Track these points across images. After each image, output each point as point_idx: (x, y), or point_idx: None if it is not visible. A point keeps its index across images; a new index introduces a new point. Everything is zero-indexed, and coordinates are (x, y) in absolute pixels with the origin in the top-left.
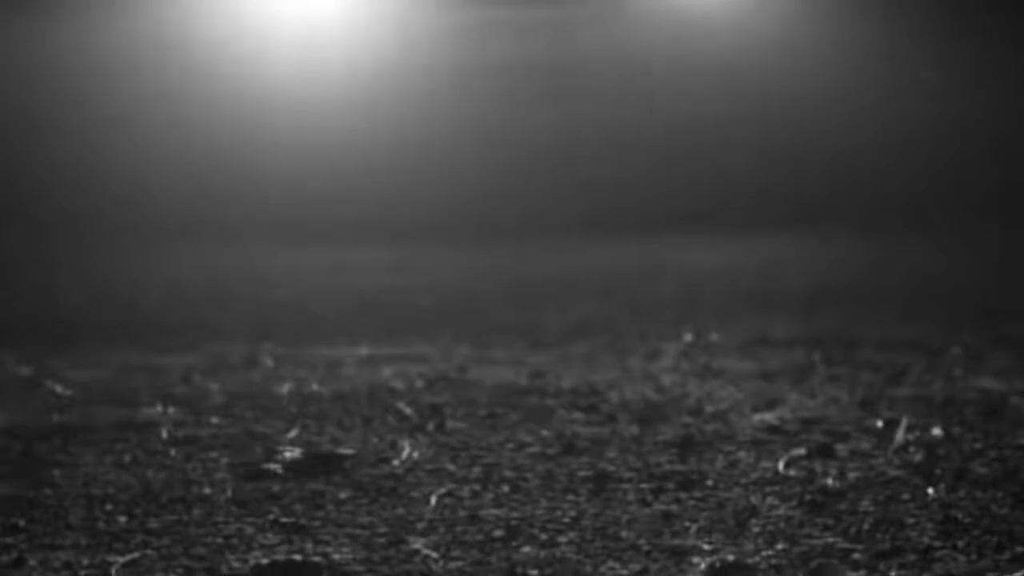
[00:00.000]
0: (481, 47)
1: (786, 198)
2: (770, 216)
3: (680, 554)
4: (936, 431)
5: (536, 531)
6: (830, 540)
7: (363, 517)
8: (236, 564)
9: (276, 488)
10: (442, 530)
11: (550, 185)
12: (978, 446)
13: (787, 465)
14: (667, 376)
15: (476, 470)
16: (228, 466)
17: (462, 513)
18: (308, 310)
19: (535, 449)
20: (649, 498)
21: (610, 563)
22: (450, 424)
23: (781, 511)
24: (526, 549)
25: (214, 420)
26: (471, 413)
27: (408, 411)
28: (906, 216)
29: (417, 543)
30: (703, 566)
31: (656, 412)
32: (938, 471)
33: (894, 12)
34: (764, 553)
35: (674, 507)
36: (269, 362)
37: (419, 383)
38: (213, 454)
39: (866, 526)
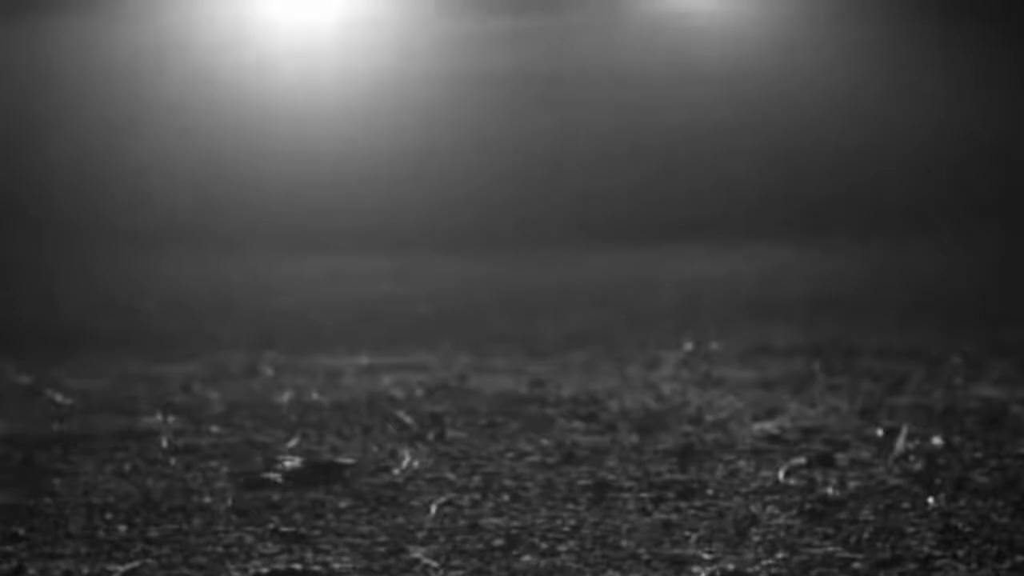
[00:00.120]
0: (480, 55)
1: (786, 206)
2: (770, 224)
3: (680, 563)
4: (936, 440)
5: (536, 540)
6: (830, 549)
7: (363, 526)
8: (236, 573)
9: (276, 497)
10: (442, 539)
11: (549, 193)
12: (978, 455)
13: (787, 474)
14: (667, 385)
15: (476, 479)
16: (228, 475)
17: (462, 522)
18: (308, 319)
19: (535, 458)
20: (649, 507)
21: (610, 572)
22: (450, 433)
23: (781, 520)
24: (526, 558)
25: (214, 429)
26: (471, 422)
27: (408, 420)
28: (906, 222)
29: (417, 552)
30: (703, 575)
31: (656, 421)
32: (938, 480)
33: (894, 17)
34: (764, 562)
35: (674, 516)
36: (269, 371)
37: (419, 392)
38: (213, 463)
39: (866, 535)
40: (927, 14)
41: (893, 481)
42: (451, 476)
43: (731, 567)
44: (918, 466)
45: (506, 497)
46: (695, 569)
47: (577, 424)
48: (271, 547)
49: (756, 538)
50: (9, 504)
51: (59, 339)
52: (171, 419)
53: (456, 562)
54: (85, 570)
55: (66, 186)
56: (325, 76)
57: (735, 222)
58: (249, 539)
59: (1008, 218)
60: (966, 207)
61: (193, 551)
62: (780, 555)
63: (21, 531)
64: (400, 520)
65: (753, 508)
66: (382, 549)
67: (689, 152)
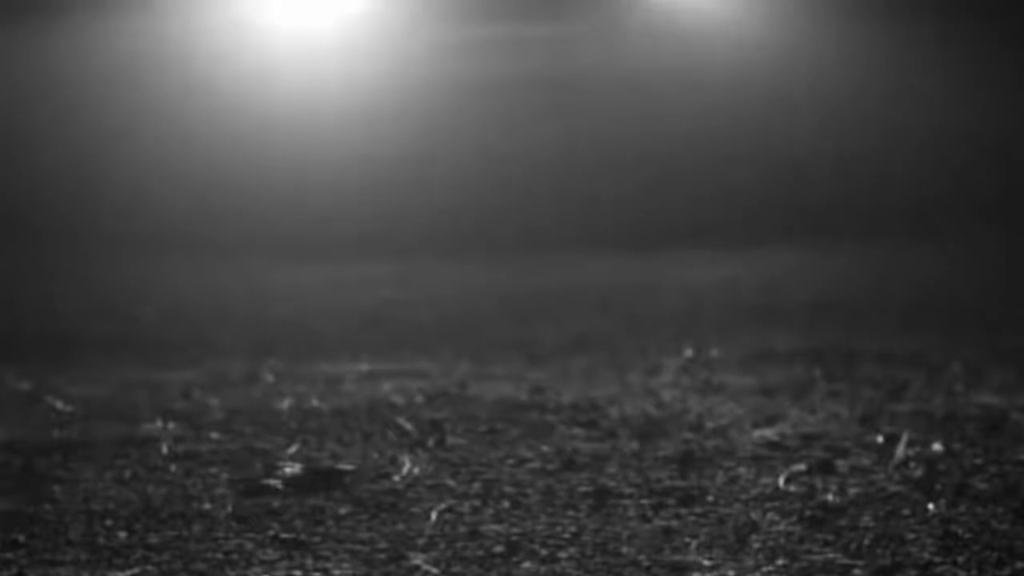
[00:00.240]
0: (481, 62)
1: (787, 211)
2: (771, 230)
3: (680, 570)
4: (936, 447)
5: (536, 547)
6: (830, 556)
7: (363, 533)
8: None
9: (276, 504)
10: (442, 546)
11: (550, 200)
12: (979, 462)
13: (787, 481)
14: (667, 391)
15: (476, 486)
16: (228, 482)
17: (462, 529)
18: (308, 325)
19: (535, 465)
20: (649, 514)
21: None
22: (450, 440)
23: (781, 527)
24: (526, 565)
25: (214, 436)
26: (471, 429)
27: (408, 427)
28: (907, 226)
29: (417, 559)
30: None
31: (656, 427)
32: (938, 487)
33: (893, 20)
34: (764, 569)
35: (674, 523)
36: (269, 378)
37: (419, 398)
38: (213, 470)
39: (866, 542)
40: (926, 15)
41: (893, 487)
42: (451, 483)
43: (731, 574)
44: (918, 472)
45: (506, 504)
46: (695, 575)
47: (577, 430)
48: (271, 554)
49: (756, 545)
50: (9, 511)
51: (59, 345)
52: (171, 426)
53: (456, 569)
54: None
55: (66, 193)
56: (325, 83)
57: (735, 228)
58: (249, 546)
59: (1009, 221)
60: (967, 210)
61: (193, 558)
62: (780, 562)
63: (21, 538)
64: (400, 527)
65: (753, 515)
66: (382, 556)
67: (690, 158)
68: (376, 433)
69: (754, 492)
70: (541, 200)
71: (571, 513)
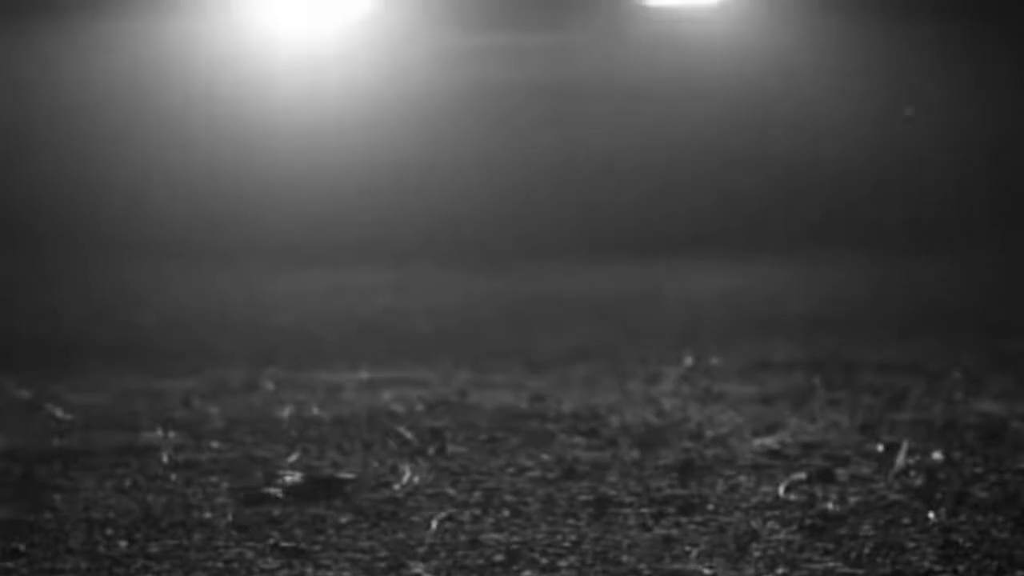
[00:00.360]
0: (481, 70)
1: (787, 220)
2: (771, 239)
3: None
4: (936, 455)
5: (537, 555)
6: (831, 565)
7: (364, 541)
8: None
9: (276, 512)
10: (443, 555)
11: (549, 208)
12: (979, 470)
13: (787, 489)
14: (668, 400)
15: (477, 494)
16: (228, 490)
17: (463, 537)
18: (308, 333)
19: (536, 473)
20: (650, 522)
21: None
22: (450, 448)
23: (782, 535)
24: (527, 574)
25: (214, 444)
26: (471, 437)
27: (408, 435)
28: (906, 232)
29: (418, 568)
30: None
31: (657, 436)
32: (939, 495)
33: (892, 25)
34: None
35: (675, 531)
36: (269, 386)
37: (419, 407)
38: (213, 478)
39: (867, 550)
40: (925, 16)
41: (893, 496)
42: (451, 491)
43: None
44: (918, 481)
45: (507, 512)
46: None
47: (578, 439)
48: (271, 562)
49: (756, 553)
50: (9, 519)
51: (59, 353)
52: (171, 434)
53: None
54: None
55: (66, 199)
56: (326, 89)
57: (736, 236)
58: (249, 554)
59: (1008, 228)
60: (966, 217)
61: (193, 566)
62: (780, 570)
63: (21, 547)
64: (401, 535)
65: (754, 523)
66: (383, 564)
67: (690, 167)
68: (376, 442)
69: (754, 501)
70: (541, 208)
71: (571, 522)
